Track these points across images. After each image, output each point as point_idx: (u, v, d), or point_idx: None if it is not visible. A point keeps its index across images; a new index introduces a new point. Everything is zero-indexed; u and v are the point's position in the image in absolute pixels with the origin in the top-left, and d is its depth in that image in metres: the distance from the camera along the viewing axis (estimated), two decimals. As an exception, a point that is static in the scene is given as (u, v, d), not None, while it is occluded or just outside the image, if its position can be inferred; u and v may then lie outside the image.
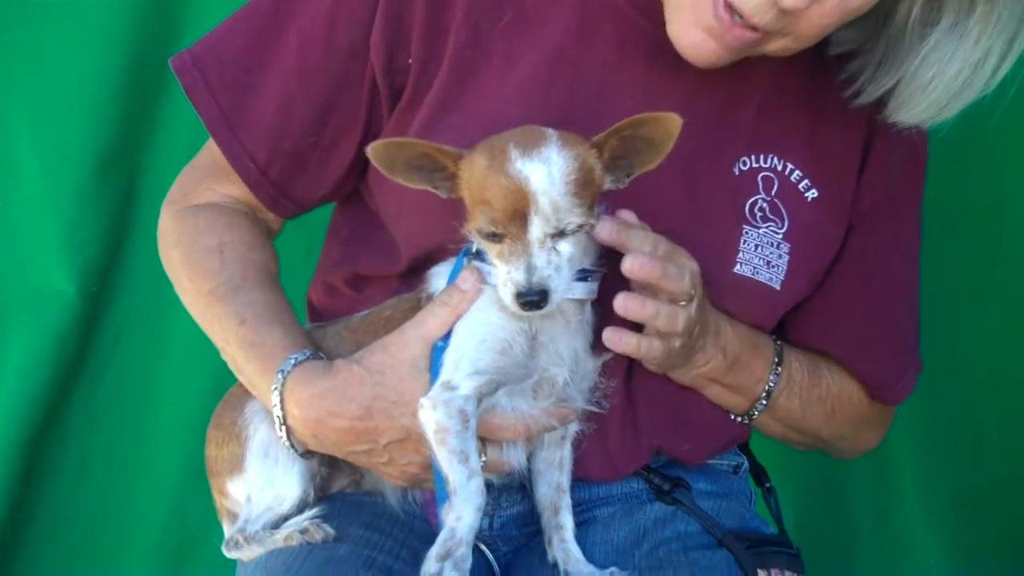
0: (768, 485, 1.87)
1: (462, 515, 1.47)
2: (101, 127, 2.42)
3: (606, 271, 1.56)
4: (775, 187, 1.70)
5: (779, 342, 1.77)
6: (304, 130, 1.71)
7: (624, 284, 1.55)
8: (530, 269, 1.43)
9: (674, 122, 1.43)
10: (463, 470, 1.48)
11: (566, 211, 1.43)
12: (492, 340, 1.52)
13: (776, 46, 1.58)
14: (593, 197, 1.48)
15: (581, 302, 1.56)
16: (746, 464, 1.88)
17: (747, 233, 1.67)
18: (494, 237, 1.45)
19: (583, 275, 1.53)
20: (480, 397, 1.52)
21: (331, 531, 1.62)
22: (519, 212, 1.42)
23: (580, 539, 1.62)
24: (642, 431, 1.70)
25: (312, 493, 1.67)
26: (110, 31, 2.40)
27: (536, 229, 1.43)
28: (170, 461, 2.48)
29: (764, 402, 1.74)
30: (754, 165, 1.70)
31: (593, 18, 1.67)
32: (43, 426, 2.44)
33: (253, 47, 1.71)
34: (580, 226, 1.45)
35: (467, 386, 1.51)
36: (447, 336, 1.55)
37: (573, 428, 1.63)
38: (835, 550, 2.59)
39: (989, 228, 2.49)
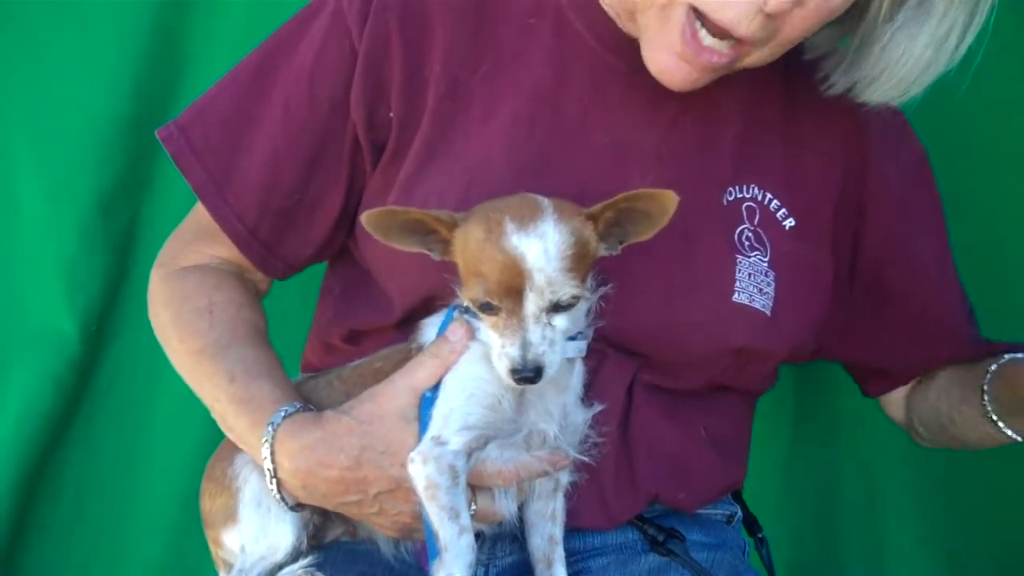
0: (761, 535, 1.88)
1: (452, 572, 1.47)
2: (104, 165, 2.42)
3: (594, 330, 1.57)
4: (757, 217, 1.73)
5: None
6: (291, 188, 1.73)
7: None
8: (525, 346, 1.43)
9: (670, 199, 1.44)
10: (453, 527, 1.48)
11: (561, 285, 1.43)
12: (481, 395, 1.53)
13: (755, 57, 1.61)
14: (587, 268, 1.48)
15: (571, 359, 1.56)
16: (740, 514, 1.87)
17: (740, 262, 1.69)
18: (489, 308, 1.46)
19: (574, 335, 1.53)
20: (470, 452, 1.52)
21: (324, 579, 1.62)
22: (514, 288, 1.42)
23: (574, 591, 1.62)
24: (638, 478, 1.70)
25: (305, 542, 1.66)
26: (115, 68, 2.41)
27: (531, 305, 1.43)
28: (166, 500, 2.47)
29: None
30: (739, 195, 1.73)
31: (567, 61, 1.71)
32: (40, 464, 2.43)
33: (237, 110, 1.73)
34: (575, 299, 1.46)
35: (457, 441, 1.51)
36: (435, 388, 1.55)
37: (565, 479, 1.63)
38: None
39: (985, 238, 2.45)
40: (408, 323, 1.69)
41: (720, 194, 1.71)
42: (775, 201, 1.74)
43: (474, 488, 1.57)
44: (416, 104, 1.69)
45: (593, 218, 1.47)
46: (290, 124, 1.71)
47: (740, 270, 1.69)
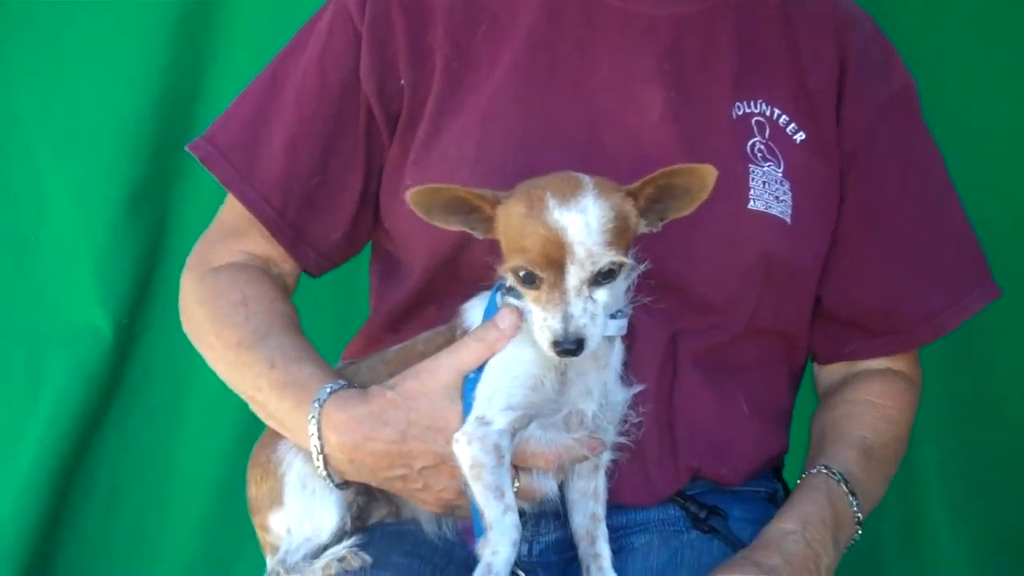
0: (801, 514, 1.88)
1: (498, 550, 1.50)
2: (133, 160, 2.46)
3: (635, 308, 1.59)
4: (767, 131, 1.77)
5: (835, 475, 1.73)
6: (310, 171, 1.81)
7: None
8: (567, 318, 1.45)
9: (709, 173, 1.47)
10: (498, 505, 1.51)
11: (602, 259, 1.45)
12: (524, 376, 1.55)
13: None
14: (628, 243, 1.50)
15: (611, 338, 1.58)
16: (781, 492, 1.88)
17: (753, 171, 1.73)
18: (531, 283, 1.48)
19: (614, 313, 1.55)
20: (513, 431, 1.54)
21: (368, 558, 1.63)
22: (556, 261, 1.45)
23: (618, 568, 1.63)
24: (681, 453, 1.72)
25: (349, 522, 1.69)
26: (141, 64, 2.45)
27: (573, 278, 1.45)
28: (200, 492, 2.51)
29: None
30: (747, 110, 1.77)
31: (558, 3, 1.78)
32: (75, 457, 2.47)
33: (255, 112, 1.84)
34: (616, 272, 1.48)
35: (501, 421, 1.53)
36: (478, 370, 1.57)
37: (607, 458, 1.65)
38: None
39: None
40: (430, 289, 1.76)
41: (728, 108, 1.76)
42: (784, 116, 1.78)
43: (516, 468, 1.58)
44: (424, 69, 1.76)
45: (633, 194, 1.50)
46: (303, 112, 1.80)
47: (754, 178, 1.73)
